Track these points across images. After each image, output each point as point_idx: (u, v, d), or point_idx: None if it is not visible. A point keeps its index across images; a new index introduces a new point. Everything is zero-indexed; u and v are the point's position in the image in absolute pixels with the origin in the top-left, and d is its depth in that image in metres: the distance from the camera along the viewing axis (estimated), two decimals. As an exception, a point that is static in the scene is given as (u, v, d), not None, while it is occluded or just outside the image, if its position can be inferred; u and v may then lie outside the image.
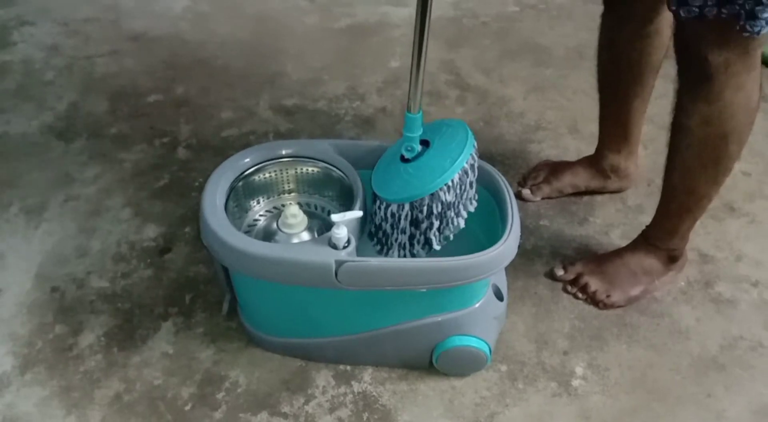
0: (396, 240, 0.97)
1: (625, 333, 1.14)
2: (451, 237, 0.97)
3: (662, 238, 1.16)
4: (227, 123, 1.58)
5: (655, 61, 1.17)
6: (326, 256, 0.88)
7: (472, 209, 0.99)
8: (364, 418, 1.01)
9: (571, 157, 1.45)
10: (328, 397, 1.03)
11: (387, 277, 0.90)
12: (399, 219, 0.94)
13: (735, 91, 0.93)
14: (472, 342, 1.00)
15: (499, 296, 1.06)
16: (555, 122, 1.60)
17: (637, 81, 1.21)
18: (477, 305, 1.00)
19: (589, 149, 1.39)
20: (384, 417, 1.01)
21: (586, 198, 1.38)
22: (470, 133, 0.96)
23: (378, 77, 1.74)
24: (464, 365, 1.04)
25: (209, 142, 1.52)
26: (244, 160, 1.03)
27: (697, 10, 0.86)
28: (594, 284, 1.17)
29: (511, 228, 0.93)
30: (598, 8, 1.18)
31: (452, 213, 0.95)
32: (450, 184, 0.91)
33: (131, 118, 1.59)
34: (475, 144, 0.96)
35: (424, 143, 0.96)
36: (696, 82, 0.95)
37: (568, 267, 1.21)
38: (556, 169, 1.39)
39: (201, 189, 0.99)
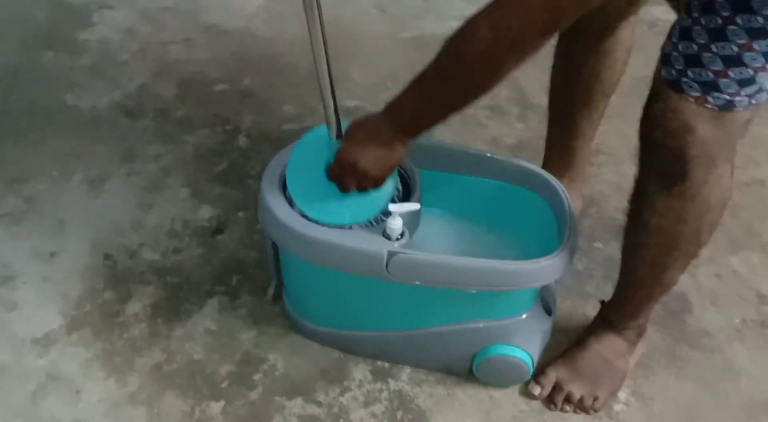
0: None
1: (674, 364, 1.10)
2: None
3: (626, 321, 1.04)
4: (289, 117, 1.60)
5: (606, 83, 1.14)
6: (379, 246, 0.88)
7: None
8: (398, 417, 0.99)
9: (631, 184, 1.41)
10: (364, 391, 1.02)
11: (437, 273, 0.89)
12: None
13: (714, 184, 0.81)
14: (516, 352, 0.98)
15: (548, 310, 1.04)
16: (617, 148, 1.57)
17: (587, 101, 1.17)
18: (524, 316, 0.99)
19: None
20: (418, 419, 0.99)
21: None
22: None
23: (441, 88, 1.74)
24: (505, 375, 1.02)
25: (269, 134, 1.54)
26: (308, 146, 1.03)
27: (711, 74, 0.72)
28: (577, 390, 1.02)
29: (568, 240, 0.91)
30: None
31: None
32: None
33: (197, 103, 1.62)
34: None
35: None
36: (668, 179, 0.82)
37: (541, 379, 1.04)
38: None
39: (258, 177, 1.00)
